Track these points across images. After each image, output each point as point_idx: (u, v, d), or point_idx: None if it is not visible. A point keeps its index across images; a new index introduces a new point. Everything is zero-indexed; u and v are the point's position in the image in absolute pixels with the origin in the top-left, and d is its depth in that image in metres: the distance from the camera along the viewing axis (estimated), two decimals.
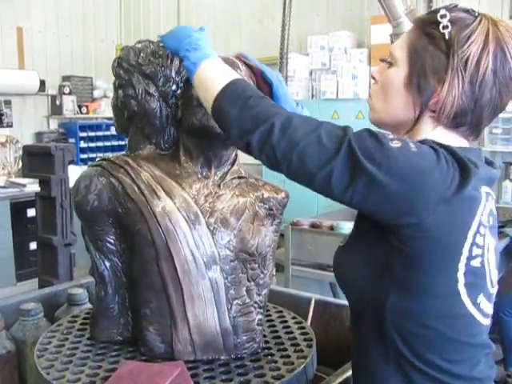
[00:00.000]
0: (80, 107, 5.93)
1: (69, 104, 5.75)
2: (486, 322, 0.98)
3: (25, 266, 4.46)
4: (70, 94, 5.76)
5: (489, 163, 1.02)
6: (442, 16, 0.96)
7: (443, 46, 0.96)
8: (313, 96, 5.08)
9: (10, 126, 5.33)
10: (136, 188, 1.25)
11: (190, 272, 1.23)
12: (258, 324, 1.31)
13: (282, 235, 2.10)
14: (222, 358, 1.28)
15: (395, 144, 0.89)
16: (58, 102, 5.71)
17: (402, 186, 0.87)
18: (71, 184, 2.40)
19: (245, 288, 1.29)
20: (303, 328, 1.46)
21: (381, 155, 0.87)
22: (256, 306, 1.31)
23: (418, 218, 0.88)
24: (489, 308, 0.98)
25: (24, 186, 4.53)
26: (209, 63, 1.07)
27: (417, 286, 0.92)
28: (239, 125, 0.96)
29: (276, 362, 1.28)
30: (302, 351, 1.32)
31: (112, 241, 1.31)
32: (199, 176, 1.29)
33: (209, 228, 1.24)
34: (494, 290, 1.00)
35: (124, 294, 1.35)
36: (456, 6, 0.99)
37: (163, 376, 1.13)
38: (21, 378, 1.56)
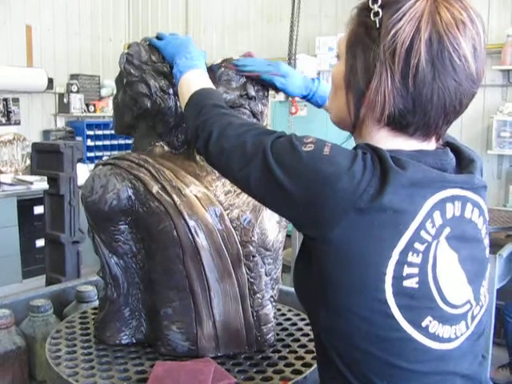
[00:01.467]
0: (87, 105, 5.93)
1: (76, 102, 5.76)
2: (447, 346, 0.83)
3: (31, 263, 4.49)
4: (77, 92, 5.77)
5: (470, 161, 0.90)
6: (374, 1, 0.82)
7: (376, 37, 0.81)
8: None
9: (17, 123, 5.34)
10: (159, 186, 1.23)
11: (216, 269, 1.23)
12: (273, 317, 1.33)
13: (288, 235, 2.10)
14: (243, 351, 1.29)
15: (307, 148, 0.81)
16: (65, 101, 5.72)
17: (303, 193, 0.80)
18: (79, 182, 2.42)
19: (263, 282, 1.30)
20: (304, 319, 1.48)
21: (289, 159, 0.82)
22: (272, 299, 1.33)
23: (319, 230, 0.80)
24: (446, 331, 0.83)
25: (31, 183, 4.55)
26: (192, 73, 1.14)
27: (336, 305, 0.82)
28: (192, 131, 1.03)
29: (297, 352, 1.30)
30: None
31: (126, 241, 1.28)
32: (217, 174, 1.28)
33: (232, 224, 1.25)
34: (459, 310, 0.84)
35: (137, 295, 1.32)
36: None
37: (203, 373, 1.12)
38: (30, 374, 1.57)
